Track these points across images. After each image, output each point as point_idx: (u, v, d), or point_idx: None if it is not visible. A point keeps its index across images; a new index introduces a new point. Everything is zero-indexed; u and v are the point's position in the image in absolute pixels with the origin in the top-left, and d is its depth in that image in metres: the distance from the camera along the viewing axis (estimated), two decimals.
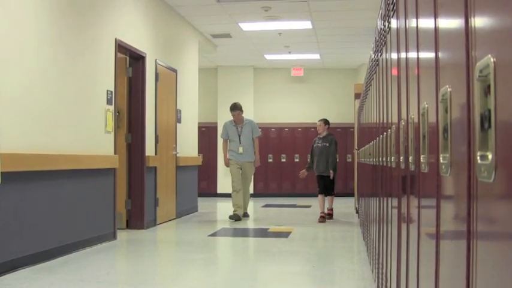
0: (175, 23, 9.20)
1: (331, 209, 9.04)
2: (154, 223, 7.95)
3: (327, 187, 8.88)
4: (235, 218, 8.78)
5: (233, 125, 9.10)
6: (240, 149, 8.95)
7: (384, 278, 3.14)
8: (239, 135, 9.01)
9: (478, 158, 0.88)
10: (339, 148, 14.31)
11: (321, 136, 9.03)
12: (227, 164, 9.10)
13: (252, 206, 12.45)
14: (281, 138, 14.59)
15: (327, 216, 8.79)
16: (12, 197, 4.69)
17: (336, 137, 9.03)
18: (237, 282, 4.68)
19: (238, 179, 8.95)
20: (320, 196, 8.91)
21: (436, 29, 1.36)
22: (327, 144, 8.83)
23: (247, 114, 15.14)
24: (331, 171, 8.74)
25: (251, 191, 14.89)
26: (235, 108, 9.07)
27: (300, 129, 14.42)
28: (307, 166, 9.16)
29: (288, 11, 9.21)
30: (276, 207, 11.62)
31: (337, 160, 9.00)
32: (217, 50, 12.06)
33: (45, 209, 5.18)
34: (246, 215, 9.17)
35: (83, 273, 4.77)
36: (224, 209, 12.16)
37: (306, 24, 10.03)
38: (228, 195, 14.23)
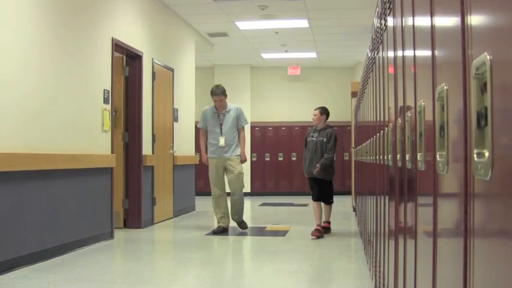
0: (171, 22, 9.19)
1: (328, 222, 7.08)
2: (151, 222, 7.95)
3: (322, 192, 6.97)
4: (217, 230, 7.21)
5: (214, 111, 7.33)
6: (222, 141, 7.17)
7: (381, 276, 3.15)
8: (220, 125, 7.27)
9: (475, 155, 0.88)
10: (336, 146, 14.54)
11: (317, 128, 7.12)
12: (205, 161, 7.39)
13: (249, 205, 12.44)
14: (278, 137, 14.59)
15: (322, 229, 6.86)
16: (9, 196, 4.68)
17: (335, 131, 7.14)
18: (234, 281, 4.68)
19: (218, 183, 7.26)
20: (315, 204, 7.01)
21: (432, 27, 1.36)
22: (325, 140, 6.92)
23: (244, 113, 15.23)
24: (317, 165, 6.80)
25: (247, 189, 15.03)
26: (217, 92, 7.26)
27: (297, 128, 14.42)
28: (304, 167, 7.21)
29: (285, 10, 9.21)
30: (273, 206, 11.62)
31: (335, 159, 7.09)
32: (214, 49, 12.06)
33: (42, 208, 5.17)
34: (242, 225, 7.40)
35: (80, 273, 4.77)
36: None
37: (303, 23, 10.03)
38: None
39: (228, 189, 7.31)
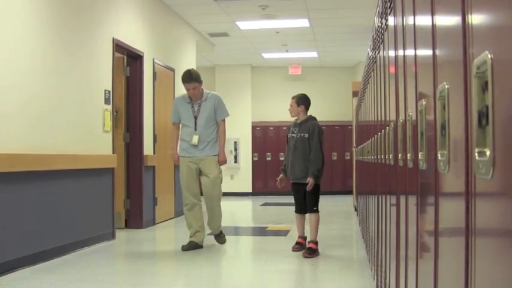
0: (172, 22, 9.19)
1: (315, 242, 5.53)
2: (153, 222, 7.95)
3: (306, 201, 5.63)
4: (188, 247, 5.84)
5: (187, 101, 5.98)
6: (195, 139, 5.83)
7: (383, 275, 3.15)
8: (195, 118, 5.91)
9: (476, 154, 0.88)
10: (336, 146, 14.56)
11: (297, 122, 5.73)
12: (176, 161, 6.14)
13: (250, 205, 12.46)
14: (279, 137, 14.57)
15: (306, 251, 5.46)
16: (10, 197, 4.69)
17: (318, 124, 5.69)
18: (236, 280, 4.68)
19: (191, 188, 5.93)
20: (298, 216, 5.80)
21: (433, 26, 1.36)
22: (306, 135, 5.58)
23: (245, 113, 15.29)
24: (309, 178, 5.44)
25: (248, 189, 15.01)
26: (190, 78, 5.86)
27: None
28: (283, 168, 5.86)
29: (285, 9, 9.21)
30: (274, 206, 11.61)
31: (323, 160, 5.61)
32: (215, 49, 12.06)
33: (43, 209, 5.18)
34: (220, 238, 6.25)
35: (82, 273, 4.77)
36: (223, 207, 12.14)
37: (303, 23, 10.03)
38: (226, 194, 14.24)
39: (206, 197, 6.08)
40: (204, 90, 6.00)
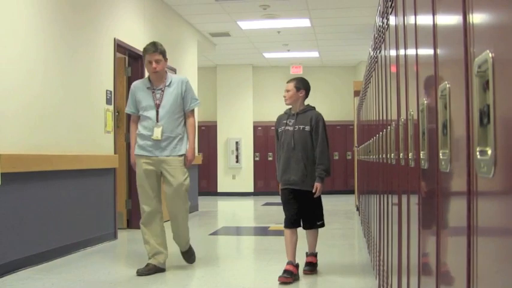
0: (173, 22, 9.20)
1: (315, 255, 4.64)
2: None
3: (305, 211, 4.48)
4: (144, 271, 4.65)
5: (147, 86, 4.74)
6: (157, 132, 4.59)
7: (385, 275, 3.15)
8: (156, 106, 4.65)
9: (478, 153, 0.88)
10: (338, 145, 14.53)
11: (293, 112, 4.54)
12: (134, 164, 4.75)
13: (252, 205, 12.46)
14: None
15: (307, 267, 4.57)
16: (13, 198, 4.69)
17: (321, 115, 4.55)
18: (238, 280, 4.68)
19: (152, 195, 4.70)
20: (289, 233, 4.43)
21: (434, 25, 1.36)
22: (307, 128, 4.43)
23: (247, 113, 15.29)
24: (316, 183, 4.34)
25: (250, 189, 15.00)
26: (154, 48, 4.71)
27: None
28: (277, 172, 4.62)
29: (287, 9, 9.21)
30: (276, 206, 11.60)
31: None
32: (216, 49, 12.06)
33: (45, 209, 5.18)
34: (189, 256, 5.09)
35: (84, 274, 4.77)
36: (224, 207, 12.17)
37: (305, 22, 10.03)
38: (228, 194, 14.28)
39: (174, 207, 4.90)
40: (168, 73, 4.84)
